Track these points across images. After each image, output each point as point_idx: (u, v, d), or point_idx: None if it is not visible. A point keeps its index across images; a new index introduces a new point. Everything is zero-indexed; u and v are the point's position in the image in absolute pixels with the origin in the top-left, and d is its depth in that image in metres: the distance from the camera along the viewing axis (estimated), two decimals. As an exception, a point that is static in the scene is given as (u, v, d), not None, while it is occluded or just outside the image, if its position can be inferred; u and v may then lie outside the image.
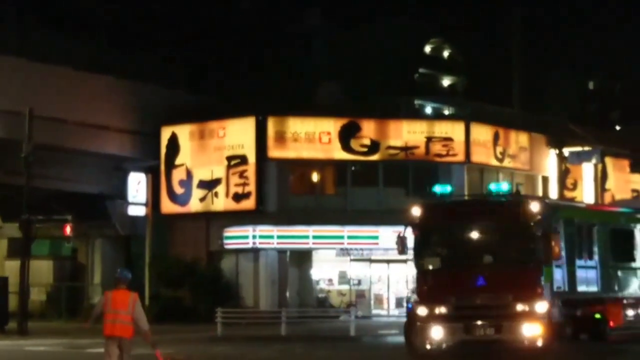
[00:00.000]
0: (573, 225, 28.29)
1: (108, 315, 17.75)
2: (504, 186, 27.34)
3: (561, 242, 26.25)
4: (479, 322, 23.86)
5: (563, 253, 26.59)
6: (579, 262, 28.13)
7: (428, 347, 24.09)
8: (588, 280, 28.55)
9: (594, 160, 55.40)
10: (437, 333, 23.83)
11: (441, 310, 23.91)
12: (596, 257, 29.10)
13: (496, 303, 23.82)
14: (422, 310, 24.09)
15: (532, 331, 23.71)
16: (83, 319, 48.11)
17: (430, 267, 24.54)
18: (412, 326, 25.47)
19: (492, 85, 70.55)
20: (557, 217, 27.48)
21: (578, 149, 55.16)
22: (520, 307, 23.76)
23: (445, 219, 25.02)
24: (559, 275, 26.59)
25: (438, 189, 26.94)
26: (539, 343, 23.80)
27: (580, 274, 28.10)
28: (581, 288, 28.17)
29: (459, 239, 24.72)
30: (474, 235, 24.81)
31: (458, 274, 24.17)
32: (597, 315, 28.85)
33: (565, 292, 26.92)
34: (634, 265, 31.21)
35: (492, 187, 27.53)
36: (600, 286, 29.13)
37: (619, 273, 30.58)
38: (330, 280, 50.98)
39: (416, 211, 25.07)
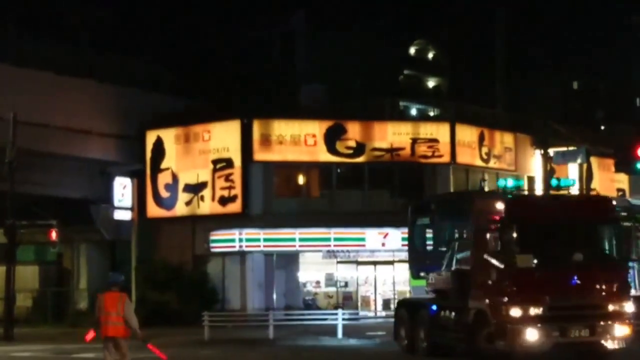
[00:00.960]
0: None
1: (102, 317, 18.56)
2: (571, 180, 26.90)
3: None
4: (574, 324, 22.81)
5: None
6: None
7: (519, 350, 22.71)
8: None
9: (579, 160, 55.36)
10: (531, 335, 22.52)
11: (536, 311, 22.62)
12: None
13: (590, 303, 22.94)
14: (515, 312, 22.59)
15: (623, 332, 23.04)
16: (69, 325, 48.08)
17: (522, 266, 22.77)
18: (480, 328, 23.51)
19: (476, 85, 70.65)
20: None
21: (563, 149, 55.17)
22: (611, 307, 23.00)
23: (536, 215, 23.73)
24: None
25: (510, 182, 26.49)
26: (626, 344, 23.16)
27: None
28: None
29: (551, 236, 23.32)
30: (566, 232, 23.52)
31: (551, 272, 22.86)
32: None
33: None
34: None
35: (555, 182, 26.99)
36: None
37: None
38: (317, 283, 50.89)
39: (500, 206, 23.74)
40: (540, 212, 24.04)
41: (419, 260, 29.22)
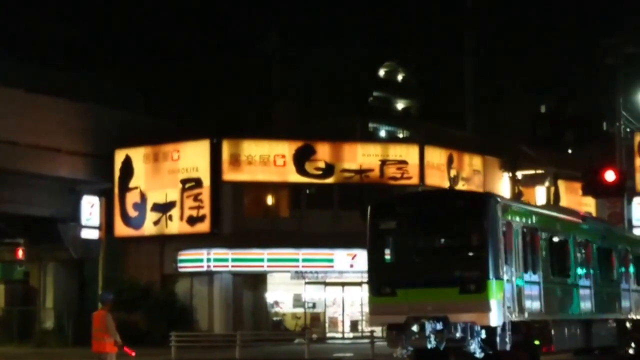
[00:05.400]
0: (519, 230, 24.80)
1: (92, 334, 20.47)
2: None
3: (512, 250, 23.86)
4: None
5: (513, 268, 23.72)
6: (525, 277, 24.76)
7: None
8: (532, 298, 25.08)
9: (546, 183, 55.85)
10: None
11: None
12: (540, 270, 25.59)
13: None
14: None
15: None
16: (35, 344, 47.79)
17: None
18: None
19: (446, 108, 71.04)
20: (506, 218, 24.08)
21: (531, 171, 55.57)
22: None
23: None
24: (508, 292, 23.55)
25: None
26: None
27: (527, 290, 24.68)
28: (527, 307, 24.66)
29: None
30: None
31: None
32: (537, 342, 25.32)
33: (515, 314, 23.79)
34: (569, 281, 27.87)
35: None
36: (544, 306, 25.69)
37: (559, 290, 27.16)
38: (283, 304, 50.78)
39: None
40: None
41: (383, 274, 24.44)
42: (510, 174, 54.28)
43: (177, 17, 72.40)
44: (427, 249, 24.70)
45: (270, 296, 49.88)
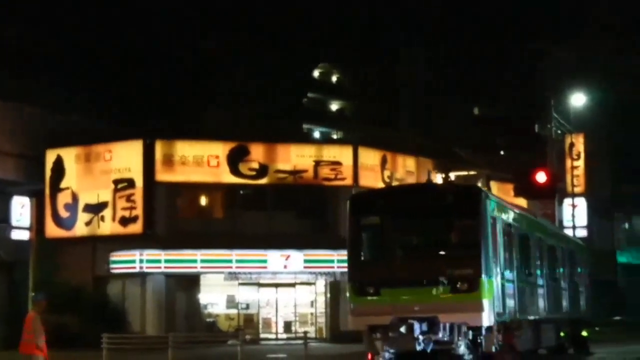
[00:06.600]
0: (501, 226, 24.11)
1: (22, 336, 20.11)
2: None
3: (497, 247, 23.14)
4: None
5: (498, 267, 23.09)
6: (506, 275, 24.07)
7: None
8: (510, 297, 24.41)
9: (479, 184, 56.20)
10: None
11: None
12: (515, 269, 25.13)
13: None
14: None
15: None
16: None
17: None
18: None
19: (380, 110, 71.25)
20: (492, 214, 23.13)
21: (464, 173, 55.93)
22: None
23: None
24: (496, 291, 22.77)
25: None
26: None
27: (508, 290, 24.01)
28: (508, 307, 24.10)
29: None
30: None
31: None
32: (509, 342, 24.68)
33: (501, 314, 23.18)
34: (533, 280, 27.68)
35: None
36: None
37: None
38: (217, 305, 50.60)
39: None
40: None
41: (365, 273, 22.97)
42: (443, 175, 54.55)
43: (111, 17, 71.81)
44: (413, 246, 23.38)
45: (203, 297, 49.68)
